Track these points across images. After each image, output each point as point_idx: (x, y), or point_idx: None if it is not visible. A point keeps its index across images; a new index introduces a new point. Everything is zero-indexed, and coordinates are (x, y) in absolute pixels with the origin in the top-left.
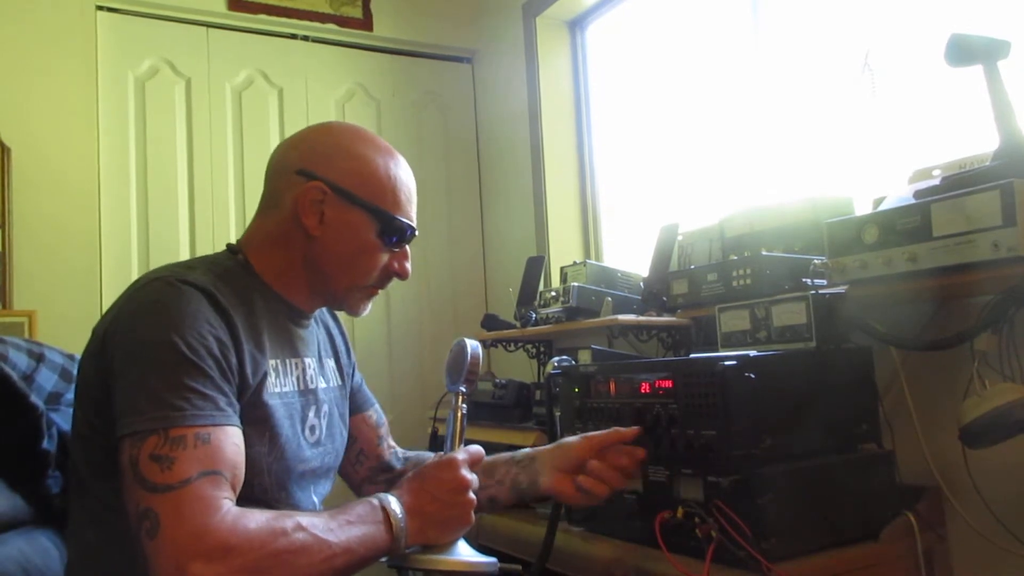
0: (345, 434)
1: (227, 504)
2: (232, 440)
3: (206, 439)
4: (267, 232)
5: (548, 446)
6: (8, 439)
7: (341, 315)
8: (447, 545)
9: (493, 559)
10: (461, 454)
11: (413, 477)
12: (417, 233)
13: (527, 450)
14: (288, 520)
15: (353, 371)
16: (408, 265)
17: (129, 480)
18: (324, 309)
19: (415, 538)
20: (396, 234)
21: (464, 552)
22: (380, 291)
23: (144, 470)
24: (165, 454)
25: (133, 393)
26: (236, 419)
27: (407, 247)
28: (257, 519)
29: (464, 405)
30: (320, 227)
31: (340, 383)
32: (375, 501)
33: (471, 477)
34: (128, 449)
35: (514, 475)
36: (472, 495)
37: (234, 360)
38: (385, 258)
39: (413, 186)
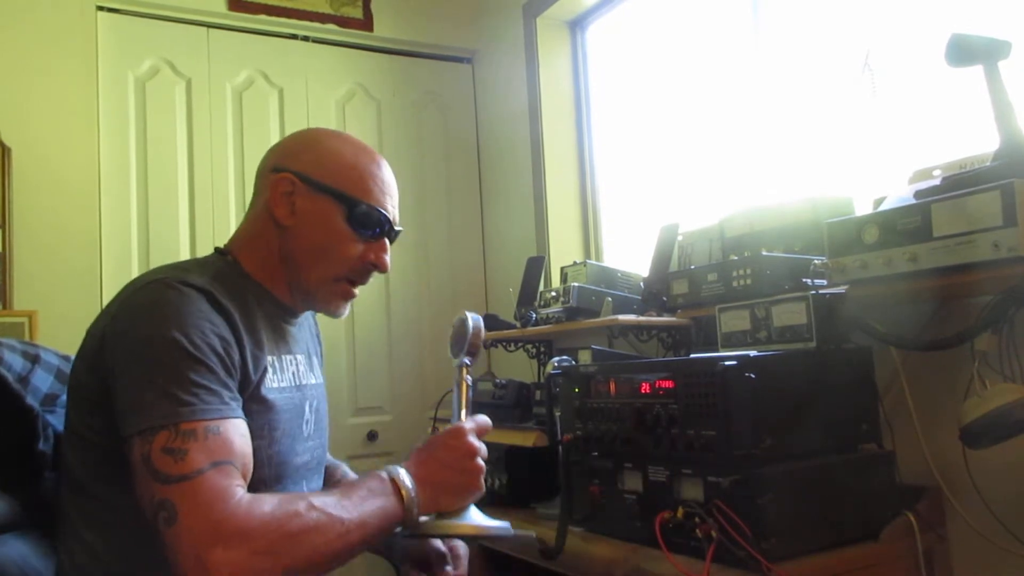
0: (327, 432)
1: (239, 491)
2: (240, 432)
3: (216, 431)
4: (249, 232)
5: None
6: (4, 441)
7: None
8: (460, 512)
9: (506, 523)
10: (469, 423)
11: (423, 448)
12: (397, 228)
13: None
14: (300, 501)
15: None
16: (387, 257)
17: (142, 474)
18: (307, 317)
19: (428, 507)
20: (367, 221)
21: (477, 518)
22: (357, 291)
23: (157, 463)
24: (177, 447)
25: (140, 391)
26: (241, 412)
27: (386, 240)
28: (270, 502)
29: (469, 376)
30: (291, 217)
31: (322, 380)
32: (384, 474)
33: (479, 445)
34: (139, 445)
35: None
36: (481, 462)
37: (237, 357)
38: (360, 248)
39: (389, 180)
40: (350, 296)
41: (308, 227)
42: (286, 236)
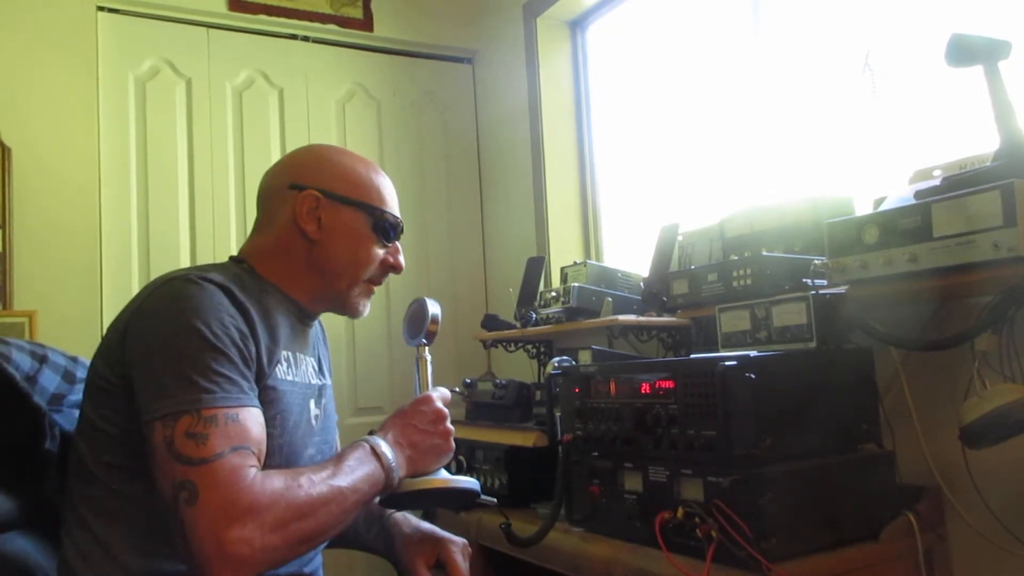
0: (335, 431)
1: (253, 471)
2: (256, 420)
3: (235, 418)
4: (268, 246)
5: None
6: (10, 439)
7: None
8: (432, 472)
9: (475, 481)
10: (434, 392)
11: (396, 416)
12: (403, 229)
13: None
14: (303, 477)
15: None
16: (402, 258)
17: (164, 457)
18: (316, 322)
19: (407, 468)
20: (387, 227)
21: (446, 475)
22: (375, 291)
23: (180, 446)
24: (199, 431)
25: (163, 378)
26: (257, 402)
27: (397, 242)
28: (278, 478)
29: (429, 355)
30: (319, 231)
31: (330, 383)
32: (365, 444)
33: (446, 410)
34: (161, 430)
35: (375, 534)
36: (450, 425)
37: (253, 349)
38: (380, 253)
39: (392, 186)
40: (372, 294)
41: (338, 238)
42: (316, 249)
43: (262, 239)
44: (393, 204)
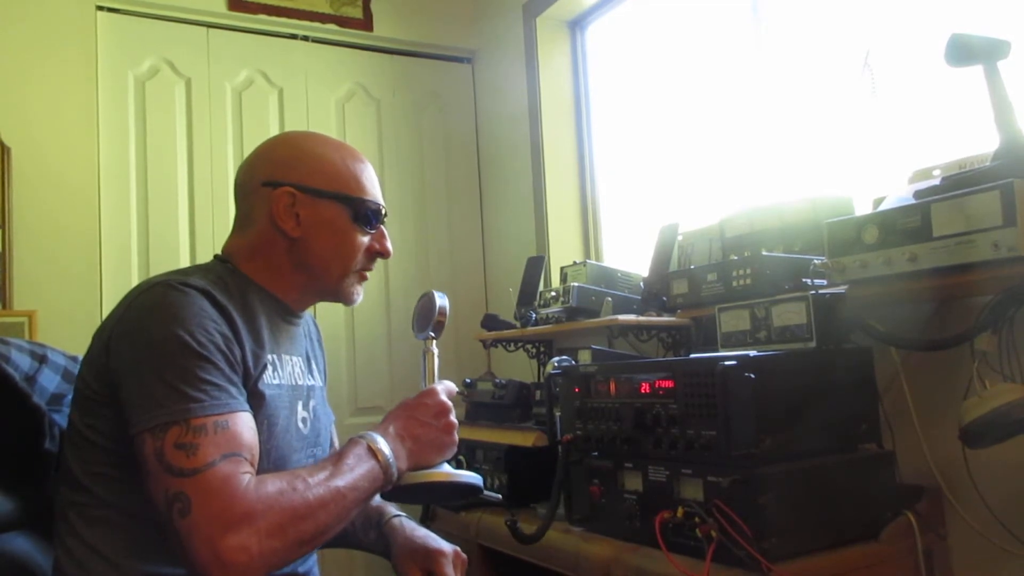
0: (327, 433)
1: (247, 478)
2: (247, 425)
3: (224, 426)
4: (249, 245)
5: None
6: (10, 440)
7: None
8: (435, 466)
9: (478, 475)
10: (439, 385)
11: (399, 408)
12: (387, 213)
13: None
14: (299, 479)
15: (324, 382)
16: (388, 243)
17: (155, 469)
18: (309, 318)
19: (408, 461)
20: (369, 215)
21: (449, 469)
22: (368, 276)
23: (170, 458)
24: (189, 442)
25: (149, 388)
26: (247, 406)
27: (383, 227)
28: (274, 483)
29: (435, 348)
30: (299, 228)
31: (322, 384)
32: (363, 442)
33: (451, 404)
34: (151, 441)
35: (374, 538)
36: (454, 419)
37: (238, 352)
38: (365, 241)
39: (372, 171)
40: (364, 280)
41: (318, 234)
42: (297, 246)
43: (243, 237)
44: (373, 189)
